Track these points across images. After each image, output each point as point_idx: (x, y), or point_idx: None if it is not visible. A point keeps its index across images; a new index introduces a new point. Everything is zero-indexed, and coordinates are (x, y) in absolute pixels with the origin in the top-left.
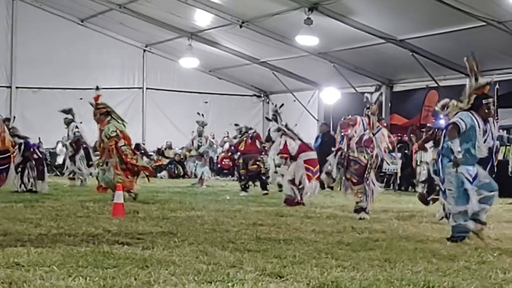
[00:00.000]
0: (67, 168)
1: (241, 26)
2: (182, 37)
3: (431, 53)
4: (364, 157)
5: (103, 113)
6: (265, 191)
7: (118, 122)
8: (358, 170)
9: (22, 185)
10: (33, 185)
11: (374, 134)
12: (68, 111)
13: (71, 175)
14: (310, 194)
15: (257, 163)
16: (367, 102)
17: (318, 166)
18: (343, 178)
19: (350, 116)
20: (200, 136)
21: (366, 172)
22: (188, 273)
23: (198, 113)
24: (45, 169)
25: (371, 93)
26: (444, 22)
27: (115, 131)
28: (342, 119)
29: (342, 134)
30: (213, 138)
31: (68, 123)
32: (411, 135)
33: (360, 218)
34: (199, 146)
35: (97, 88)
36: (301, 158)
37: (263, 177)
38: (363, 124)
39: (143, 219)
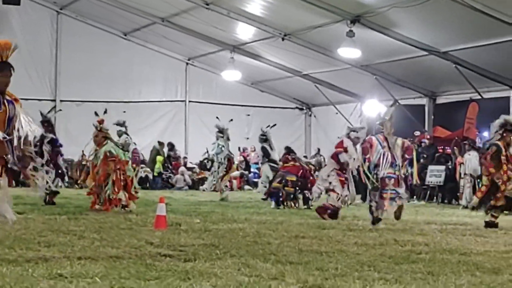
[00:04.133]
0: None
1: (283, 39)
2: (224, 50)
3: (475, 65)
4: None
5: (104, 137)
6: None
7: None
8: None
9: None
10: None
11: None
12: (122, 124)
13: None
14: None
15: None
16: (379, 119)
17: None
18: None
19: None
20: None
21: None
22: (229, 285)
23: (217, 117)
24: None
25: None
26: (488, 33)
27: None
28: (360, 144)
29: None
30: (254, 151)
31: (120, 135)
32: (455, 147)
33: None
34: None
35: (105, 112)
36: None
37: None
38: (379, 143)
39: (185, 231)
